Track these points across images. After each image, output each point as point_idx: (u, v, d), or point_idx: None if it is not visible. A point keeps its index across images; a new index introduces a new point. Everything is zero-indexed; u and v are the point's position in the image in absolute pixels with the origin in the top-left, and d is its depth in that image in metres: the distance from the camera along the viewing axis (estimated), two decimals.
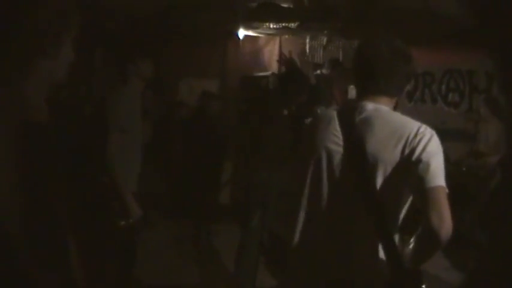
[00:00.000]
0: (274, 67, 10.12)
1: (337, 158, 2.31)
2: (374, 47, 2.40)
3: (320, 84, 7.68)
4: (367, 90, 2.39)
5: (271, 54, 10.23)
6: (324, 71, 8.08)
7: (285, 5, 7.45)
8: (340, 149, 2.31)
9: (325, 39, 10.37)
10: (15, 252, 1.44)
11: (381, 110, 2.30)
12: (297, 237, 2.49)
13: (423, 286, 2.09)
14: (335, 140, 2.33)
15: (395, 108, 2.43)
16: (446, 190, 2.06)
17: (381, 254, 2.18)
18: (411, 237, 2.18)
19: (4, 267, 1.43)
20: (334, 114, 2.42)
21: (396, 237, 2.26)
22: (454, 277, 5.58)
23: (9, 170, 1.42)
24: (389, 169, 2.16)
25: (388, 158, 2.16)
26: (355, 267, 2.27)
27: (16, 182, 1.44)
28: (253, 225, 4.90)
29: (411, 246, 2.19)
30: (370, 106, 2.32)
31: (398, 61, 2.32)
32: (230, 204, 7.85)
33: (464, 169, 6.96)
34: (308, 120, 2.74)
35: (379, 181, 2.17)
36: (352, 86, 6.63)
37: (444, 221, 1.96)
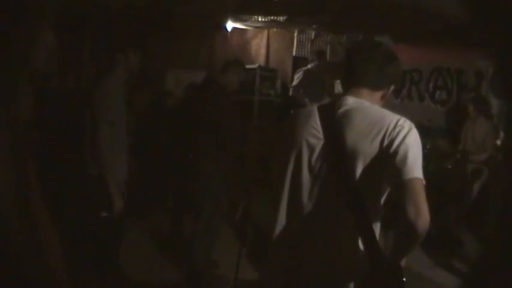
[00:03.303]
0: (261, 60, 10.12)
1: (317, 151, 2.29)
2: (362, 45, 2.47)
3: (310, 79, 7.69)
4: (351, 85, 2.39)
5: (258, 47, 10.24)
6: (311, 64, 8.08)
7: None
8: (320, 142, 2.29)
9: (313, 34, 10.39)
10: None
11: (361, 103, 2.30)
12: (278, 229, 2.48)
13: (404, 279, 2.07)
14: (315, 133, 2.32)
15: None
16: (424, 182, 2.03)
17: (361, 246, 2.16)
18: (393, 232, 2.16)
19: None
20: (315, 108, 2.42)
21: (378, 231, 2.25)
22: (438, 276, 5.57)
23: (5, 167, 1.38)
24: (368, 161, 2.14)
25: (367, 150, 2.14)
26: (335, 260, 2.25)
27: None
28: (237, 218, 4.90)
29: (392, 239, 2.17)
30: (350, 100, 2.31)
31: (383, 61, 2.33)
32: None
33: (449, 167, 6.97)
34: (291, 114, 2.72)
35: (359, 173, 2.15)
36: (338, 81, 6.63)
37: (421, 213, 1.93)
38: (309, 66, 8.37)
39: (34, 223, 1.58)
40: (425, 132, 2.10)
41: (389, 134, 2.10)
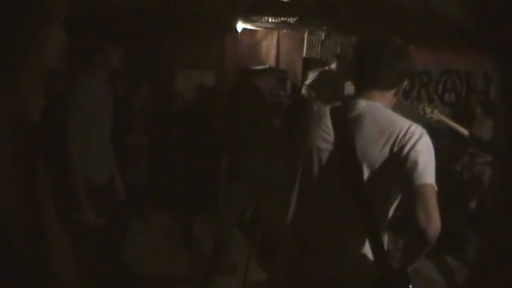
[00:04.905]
0: (271, 61, 10.11)
1: (327, 155, 2.30)
2: (370, 44, 2.40)
3: (324, 81, 7.70)
4: (363, 87, 2.39)
5: (268, 48, 10.23)
6: (329, 66, 8.08)
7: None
8: (331, 146, 2.30)
9: (323, 35, 10.37)
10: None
11: (372, 107, 2.29)
12: (287, 232, 2.49)
13: (410, 286, 2.06)
14: (326, 136, 2.32)
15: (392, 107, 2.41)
16: (435, 188, 2.01)
17: (370, 252, 2.16)
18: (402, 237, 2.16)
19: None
20: (327, 111, 2.41)
21: (386, 237, 2.26)
22: (445, 277, 5.58)
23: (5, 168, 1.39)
24: (378, 167, 2.14)
25: (377, 155, 2.14)
26: (343, 265, 2.26)
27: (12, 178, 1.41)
28: (245, 219, 4.94)
29: (402, 246, 2.17)
30: (362, 103, 2.31)
31: (394, 58, 2.30)
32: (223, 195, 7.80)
33: (458, 169, 6.96)
34: (303, 116, 2.71)
35: (368, 178, 2.16)
36: (348, 83, 6.63)
37: (431, 219, 1.91)
38: (327, 68, 8.36)
39: (42, 224, 1.59)
40: (434, 134, 2.09)
41: (400, 140, 2.10)
